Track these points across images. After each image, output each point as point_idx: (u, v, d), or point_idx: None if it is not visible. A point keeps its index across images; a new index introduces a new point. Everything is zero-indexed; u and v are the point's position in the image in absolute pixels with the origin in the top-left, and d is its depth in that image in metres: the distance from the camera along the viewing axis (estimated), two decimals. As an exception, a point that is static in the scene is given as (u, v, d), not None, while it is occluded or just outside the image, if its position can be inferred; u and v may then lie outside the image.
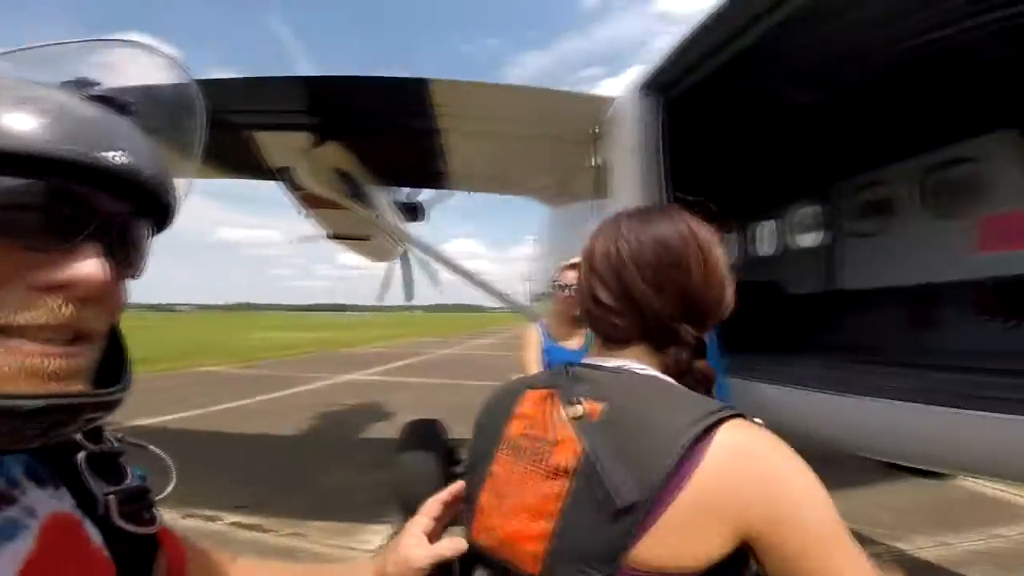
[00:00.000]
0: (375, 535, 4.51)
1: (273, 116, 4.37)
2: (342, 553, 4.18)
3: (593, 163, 4.43)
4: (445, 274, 9.32)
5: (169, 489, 0.75)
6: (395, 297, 11.58)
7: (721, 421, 0.76)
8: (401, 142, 5.21)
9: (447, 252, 7.24)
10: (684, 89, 3.47)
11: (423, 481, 4.41)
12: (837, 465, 6.01)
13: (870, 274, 5.55)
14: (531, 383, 0.98)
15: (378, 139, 5.13)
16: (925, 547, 4.14)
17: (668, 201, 3.43)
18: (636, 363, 0.92)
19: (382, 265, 10.72)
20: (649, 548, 0.73)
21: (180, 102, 0.70)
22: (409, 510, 4.44)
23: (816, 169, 5.98)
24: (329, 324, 57.24)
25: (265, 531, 4.60)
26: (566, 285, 3.26)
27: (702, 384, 0.91)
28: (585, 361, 0.97)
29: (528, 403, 0.94)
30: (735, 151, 5.61)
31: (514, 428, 0.93)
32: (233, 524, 4.74)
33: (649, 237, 0.93)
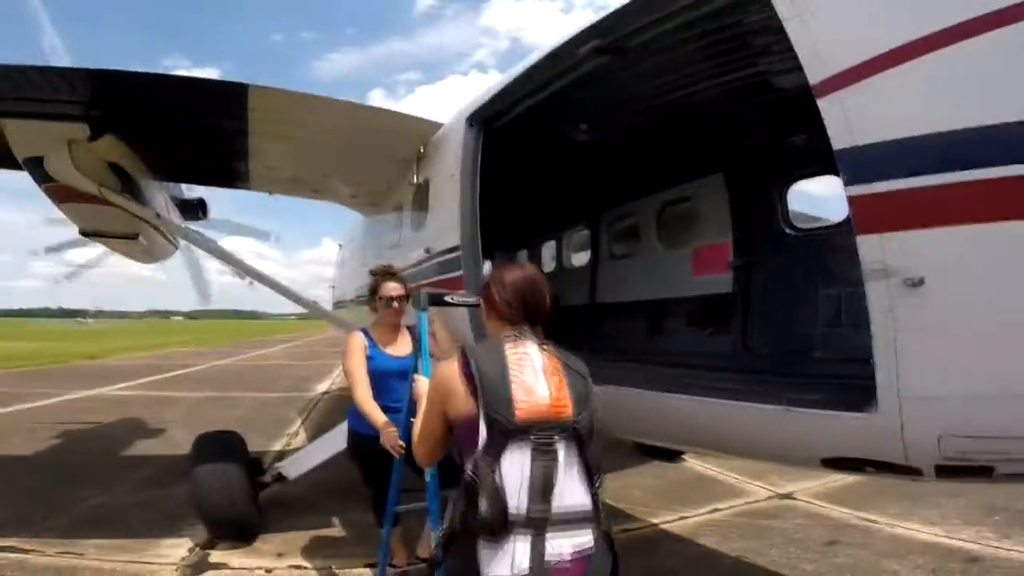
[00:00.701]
0: (173, 548, 4.29)
1: (37, 104, 3.94)
2: (136, 568, 3.94)
3: (415, 180, 4.84)
4: (218, 276, 8.74)
5: None
6: (145, 302, 10.08)
7: None
8: (200, 141, 5.03)
9: (238, 253, 6.86)
10: (500, 124, 4.10)
11: (228, 493, 4.33)
12: (604, 450, 7.33)
13: (622, 290, 6.76)
14: (507, 341, 1.92)
15: (172, 136, 4.89)
16: (667, 519, 5.14)
17: (477, 217, 4.02)
18: (530, 332, 1.96)
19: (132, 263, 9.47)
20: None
21: None
22: (214, 523, 4.32)
23: (588, 199, 7.15)
24: (55, 333, 46.61)
25: (26, 551, 4.11)
26: (391, 298, 3.53)
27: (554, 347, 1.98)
28: (517, 332, 1.95)
29: (512, 348, 1.88)
30: (532, 179, 6.51)
31: (513, 359, 1.84)
32: None
33: (529, 278, 2.04)
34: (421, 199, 4.94)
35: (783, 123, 4.62)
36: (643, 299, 6.30)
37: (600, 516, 1.85)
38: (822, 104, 2.03)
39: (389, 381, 3.48)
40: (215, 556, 4.18)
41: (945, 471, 1.97)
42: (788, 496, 5.85)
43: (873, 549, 4.47)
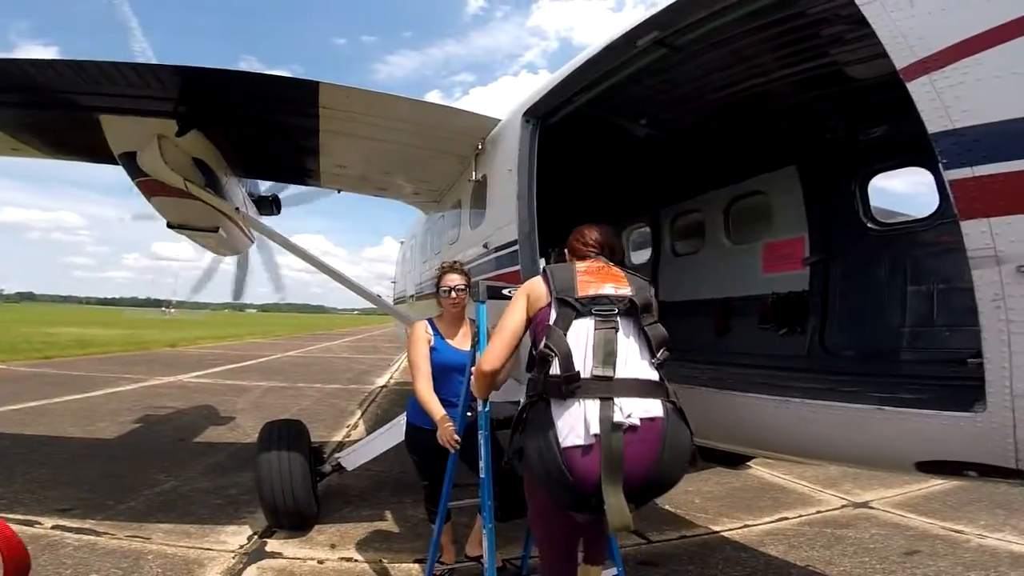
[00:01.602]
0: (234, 536, 4.43)
1: (131, 101, 4.17)
2: (197, 554, 4.07)
3: (474, 176, 4.84)
4: (288, 272, 9.09)
5: None
6: (222, 294, 10.74)
7: None
8: (275, 138, 5.20)
9: (310, 248, 7.15)
10: (557, 119, 4.05)
11: (290, 481, 4.45)
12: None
13: (686, 288, 6.50)
14: (577, 263, 2.44)
15: (250, 132, 5.09)
16: (730, 527, 4.93)
17: (534, 212, 3.98)
18: (606, 258, 2.50)
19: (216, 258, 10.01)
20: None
21: None
22: (275, 510, 4.44)
23: (649, 195, 6.97)
24: (143, 322, 50.28)
25: (99, 534, 4.30)
26: (451, 288, 3.58)
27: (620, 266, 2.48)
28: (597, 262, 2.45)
29: (583, 265, 2.40)
30: (589, 175, 6.39)
31: (581, 267, 2.38)
32: (56, 528, 4.36)
33: (601, 225, 2.63)
34: (480, 195, 4.93)
35: (861, 113, 4.39)
36: (709, 298, 6.06)
37: (668, 391, 2.09)
38: (912, 87, 1.93)
39: (449, 374, 3.48)
40: (271, 545, 4.29)
41: None
42: (864, 505, 5.54)
43: (957, 560, 4.18)
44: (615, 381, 1.99)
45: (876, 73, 3.65)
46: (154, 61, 5.84)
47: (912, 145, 3.70)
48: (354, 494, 5.51)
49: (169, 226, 7.01)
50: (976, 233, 1.80)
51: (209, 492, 5.43)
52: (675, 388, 2.83)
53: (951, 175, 1.85)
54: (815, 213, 4.98)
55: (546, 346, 2.09)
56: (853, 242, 4.66)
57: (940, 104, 1.86)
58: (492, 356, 2.39)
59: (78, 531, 4.33)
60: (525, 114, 4.04)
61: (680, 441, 2.03)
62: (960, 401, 1.95)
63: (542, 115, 4.02)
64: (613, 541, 2.98)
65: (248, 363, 19.51)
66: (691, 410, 2.84)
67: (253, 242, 8.51)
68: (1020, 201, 1.72)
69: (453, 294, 3.55)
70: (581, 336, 2.08)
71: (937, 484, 5.96)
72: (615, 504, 1.85)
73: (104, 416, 8.89)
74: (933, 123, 1.88)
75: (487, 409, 2.90)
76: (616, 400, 1.95)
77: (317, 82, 3.98)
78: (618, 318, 2.12)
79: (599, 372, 1.99)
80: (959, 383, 1.98)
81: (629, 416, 1.93)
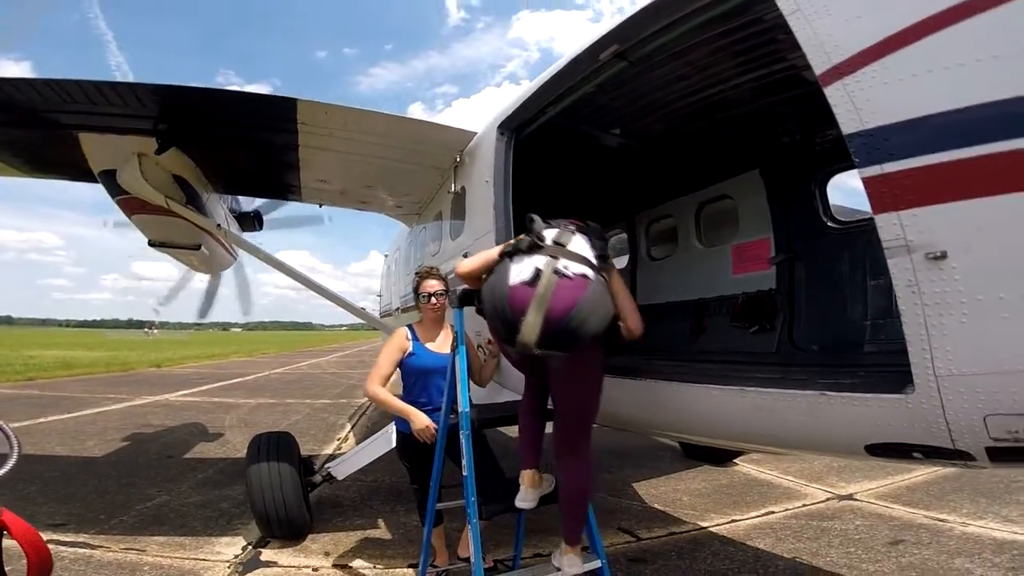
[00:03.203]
0: (228, 547, 4.49)
1: (111, 119, 4.24)
2: (192, 564, 4.13)
3: (453, 188, 4.96)
4: (274, 289, 9.08)
5: (11, 464, 0.89)
6: (209, 314, 10.65)
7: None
8: (255, 154, 5.29)
9: (295, 264, 7.20)
10: (531, 131, 4.18)
11: (281, 492, 4.52)
12: (652, 455, 7.23)
13: (662, 291, 6.67)
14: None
15: (230, 149, 5.17)
16: (717, 522, 5.07)
17: (511, 222, 4.07)
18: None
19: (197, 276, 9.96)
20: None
21: None
22: (266, 521, 4.51)
23: (624, 202, 7.14)
24: (126, 343, 49.38)
25: (94, 547, 4.36)
26: (430, 294, 3.71)
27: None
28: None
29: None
30: (566, 184, 6.55)
31: None
32: (51, 542, 4.30)
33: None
34: (459, 207, 5.04)
35: (815, 117, 4.52)
36: (684, 299, 6.23)
37: (601, 272, 2.65)
38: (828, 92, 2.07)
39: (429, 378, 3.59)
40: (266, 554, 4.35)
41: (999, 454, 1.84)
42: (848, 497, 5.71)
43: (942, 548, 4.31)
44: (566, 250, 2.63)
45: None
46: (130, 75, 5.90)
47: None
48: (347, 503, 5.58)
49: (151, 244, 7.03)
50: (888, 225, 1.93)
51: (201, 506, 5.47)
52: (645, 382, 3.03)
53: (864, 173, 1.98)
54: (779, 214, 5.17)
55: (529, 218, 2.86)
56: (815, 241, 4.85)
57: (852, 107, 1.99)
58: (469, 264, 3.02)
59: (73, 545, 4.37)
60: (500, 126, 4.16)
61: (599, 305, 2.51)
62: (895, 383, 2.05)
63: (516, 127, 4.13)
64: (597, 539, 3.10)
65: (234, 381, 19.35)
66: (657, 403, 3.01)
67: (236, 259, 8.53)
68: (924, 194, 1.85)
69: (432, 299, 3.67)
70: (550, 230, 2.77)
71: (919, 475, 6.14)
72: (532, 320, 2.38)
73: (91, 435, 8.86)
74: (847, 125, 2.02)
75: (467, 409, 3.03)
76: (560, 260, 2.56)
77: (295, 99, 4.08)
78: (575, 232, 2.80)
79: (556, 241, 2.68)
80: (904, 368, 2.10)
81: (567, 268, 2.52)
